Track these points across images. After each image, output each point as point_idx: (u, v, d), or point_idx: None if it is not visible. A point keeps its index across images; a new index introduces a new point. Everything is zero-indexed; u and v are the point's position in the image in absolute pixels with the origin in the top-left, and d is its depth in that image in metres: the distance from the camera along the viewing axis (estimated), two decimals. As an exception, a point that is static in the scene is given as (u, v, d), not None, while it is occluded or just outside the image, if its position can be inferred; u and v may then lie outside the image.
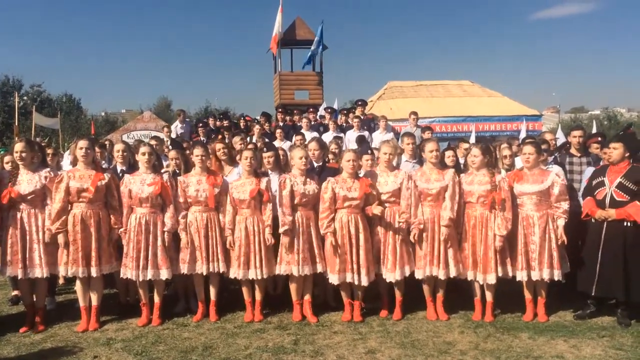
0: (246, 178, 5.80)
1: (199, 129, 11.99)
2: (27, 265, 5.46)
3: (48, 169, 5.69)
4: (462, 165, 6.34)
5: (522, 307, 5.76)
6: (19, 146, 5.54)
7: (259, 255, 5.68)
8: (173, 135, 12.41)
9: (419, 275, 5.68)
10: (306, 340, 5.14)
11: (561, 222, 5.55)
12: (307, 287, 5.81)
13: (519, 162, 6.45)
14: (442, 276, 5.62)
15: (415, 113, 11.81)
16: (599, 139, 6.98)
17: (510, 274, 5.60)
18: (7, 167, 5.93)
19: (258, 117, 12.71)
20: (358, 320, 5.65)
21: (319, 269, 5.69)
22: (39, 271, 5.49)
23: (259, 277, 5.69)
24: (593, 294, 5.62)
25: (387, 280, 5.69)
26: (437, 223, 5.65)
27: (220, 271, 5.74)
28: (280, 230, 5.62)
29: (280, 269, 5.70)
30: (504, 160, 6.47)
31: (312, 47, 16.41)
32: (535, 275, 5.53)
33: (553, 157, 6.74)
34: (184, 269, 5.72)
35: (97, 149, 6.85)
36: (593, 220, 5.64)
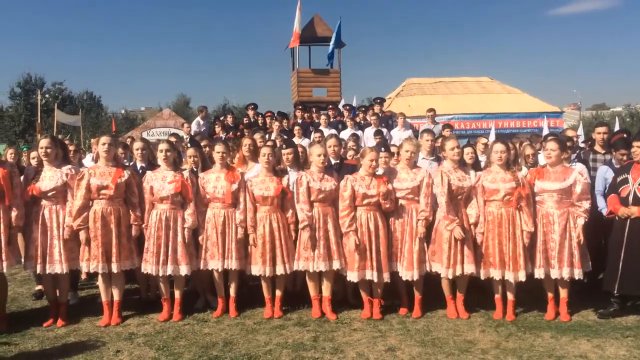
0: (265, 175, 5.82)
1: (216, 126, 12.06)
2: (46, 261, 5.53)
3: (70, 166, 5.75)
4: (483, 163, 6.28)
5: (544, 306, 5.69)
6: (44, 142, 5.61)
7: (285, 251, 5.70)
8: (195, 130, 12.54)
9: (441, 273, 5.62)
10: (326, 337, 5.14)
11: (581, 222, 5.47)
12: (327, 284, 5.80)
13: (542, 160, 6.37)
14: (458, 272, 5.55)
15: (432, 110, 11.72)
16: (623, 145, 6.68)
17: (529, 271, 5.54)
18: (34, 162, 6.02)
19: (275, 114, 12.74)
20: (377, 317, 5.64)
21: (336, 265, 5.68)
22: (59, 267, 5.55)
23: (287, 273, 5.71)
24: (616, 292, 5.55)
25: (404, 279, 5.67)
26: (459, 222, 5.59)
27: (233, 269, 5.76)
28: (300, 226, 5.63)
29: (299, 265, 5.71)
30: (526, 158, 6.39)
31: (331, 45, 16.36)
32: (554, 274, 5.46)
33: (576, 154, 6.65)
34: (200, 264, 5.77)
35: (120, 150, 6.93)
36: (617, 217, 5.57)
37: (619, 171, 5.75)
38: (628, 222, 5.47)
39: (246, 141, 6.64)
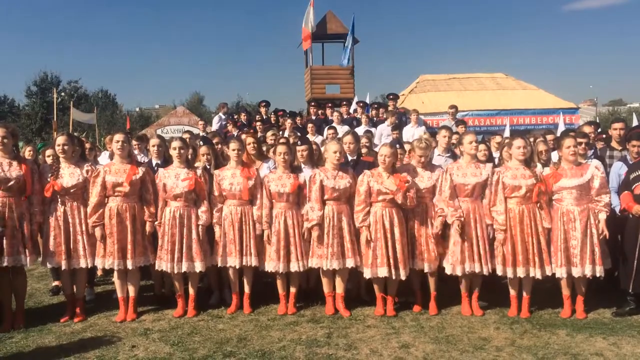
0: (282, 172, 5.83)
1: (229, 124, 12.17)
2: (71, 256, 5.61)
3: (89, 163, 5.83)
4: (496, 159, 6.24)
5: (560, 304, 5.64)
6: (61, 139, 5.68)
7: (299, 248, 5.72)
8: (218, 126, 12.83)
9: (456, 270, 5.59)
10: (339, 334, 5.15)
11: (602, 216, 5.42)
12: (340, 281, 5.80)
13: (554, 156, 6.31)
14: (485, 272, 5.54)
15: (454, 106, 11.69)
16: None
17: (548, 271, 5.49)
18: (49, 160, 6.10)
19: (286, 111, 12.90)
20: (391, 314, 5.63)
21: (349, 263, 5.67)
22: (84, 261, 5.63)
23: (301, 270, 5.73)
24: (631, 291, 5.48)
25: (425, 271, 5.66)
26: (472, 218, 5.57)
27: (253, 265, 5.79)
28: (307, 225, 5.65)
29: (312, 262, 5.72)
30: (540, 155, 6.34)
31: (347, 44, 16.30)
32: (577, 272, 5.40)
33: (592, 150, 6.57)
34: (217, 261, 5.79)
35: (135, 142, 6.99)
36: (630, 215, 5.49)
37: (631, 168, 5.66)
38: None
39: (249, 139, 6.63)
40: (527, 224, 5.47)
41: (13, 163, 5.44)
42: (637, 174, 5.50)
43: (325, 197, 5.68)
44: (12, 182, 5.36)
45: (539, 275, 5.46)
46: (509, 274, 5.52)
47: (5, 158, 5.45)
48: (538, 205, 5.50)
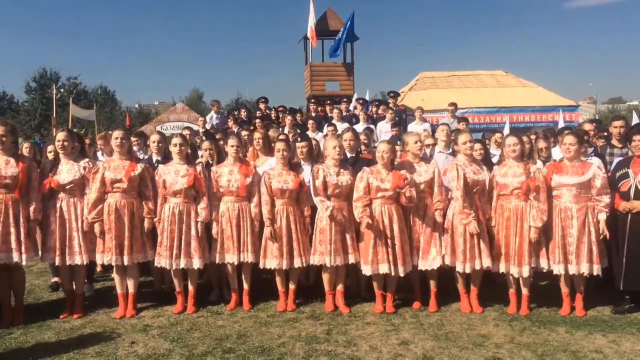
0: (282, 169, 5.82)
1: (229, 120, 12.13)
2: (66, 253, 5.60)
3: (87, 160, 5.82)
4: (498, 157, 6.24)
5: (559, 301, 5.64)
6: (60, 135, 5.68)
7: (301, 244, 5.73)
8: (208, 126, 12.63)
9: (457, 267, 5.61)
10: (339, 331, 5.15)
11: (602, 217, 5.40)
12: (339, 278, 5.81)
13: (555, 153, 6.31)
14: (477, 267, 5.53)
15: (454, 104, 11.67)
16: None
17: (546, 267, 5.50)
18: (50, 156, 6.09)
19: (287, 108, 12.83)
20: (390, 311, 5.63)
21: (351, 259, 5.69)
22: (79, 258, 5.62)
23: (304, 265, 5.74)
24: (621, 289, 5.48)
25: (421, 269, 5.66)
26: (478, 214, 5.58)
27: (250, 261, 5.79)
28: (327, 213, 5.58)
29: (314, 259, 5.71)
30: (540, 152, 6.34)
31: (339, 35, 16.23)
32: (572, 269, 5.40)
33: (593, 148, 6.57)
34: (215, 258, 5.80)
35: (134, 139, 6.98)
36: (617, 212, 5.50)
37: (617, 166, 5.69)
38: (629, 217, 5.41)
39: (257, 135, 6.66)
40: (513, 222, 5.49)
41: (10, 160, 5.42)
42: (623, 171, 5.52)
43: (327, 193, 5.67)
44: (7, 180, 5.35)
45: (516, 274, 5.48)
46: (492, 269, 5.58)
47: (3, 155, 5.44)
48: (527, 200, 5.48)
